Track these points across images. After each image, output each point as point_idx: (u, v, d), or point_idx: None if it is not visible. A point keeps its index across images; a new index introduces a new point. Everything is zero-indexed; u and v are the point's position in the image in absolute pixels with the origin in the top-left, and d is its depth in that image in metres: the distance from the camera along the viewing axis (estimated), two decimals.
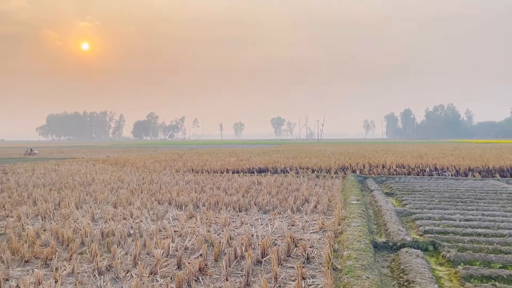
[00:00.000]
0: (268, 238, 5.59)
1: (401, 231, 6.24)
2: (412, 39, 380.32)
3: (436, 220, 7.20)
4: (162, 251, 5.16)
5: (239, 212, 8.13)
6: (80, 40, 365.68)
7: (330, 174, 15.28)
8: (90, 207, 8.36)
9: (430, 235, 6.13)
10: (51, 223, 7.04)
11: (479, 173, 15.46)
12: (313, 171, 16.12)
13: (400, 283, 4.35)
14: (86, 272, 4.63)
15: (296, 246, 5.53)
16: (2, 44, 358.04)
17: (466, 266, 4.75)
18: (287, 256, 5.15)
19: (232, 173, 15.78)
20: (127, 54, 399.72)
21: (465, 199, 9.38)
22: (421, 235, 6.26)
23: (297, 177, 14.01)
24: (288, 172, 15.98)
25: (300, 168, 16.81)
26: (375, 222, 7.42)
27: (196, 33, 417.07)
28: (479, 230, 6.36)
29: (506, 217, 7.40)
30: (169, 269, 4.73)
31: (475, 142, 69.74)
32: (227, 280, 4.32)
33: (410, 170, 16.54)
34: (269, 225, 6.84)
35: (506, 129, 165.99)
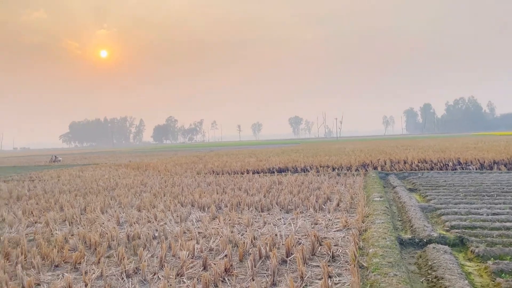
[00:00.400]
0: (292, 237, 5.58)
1: (426, 226, 6.14)
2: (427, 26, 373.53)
3: (462, 215, 7.06)
4: (187, 253, 5.21)
5: (261, 212, 8.14)
6: (98, 48, 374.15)
7: (351, 171, 15.16)
8: (115, 211, 8.51)
9: (457, 230, 6.01)
10: (78, 228, 7.19)
11: (505, 166, 15.06)
12: (333, 169, 16.00)
13: (428, 280, 4.29)
14: (115, 275, 4.71)
15: (320, 244, 5.50)
16: (25, 54, 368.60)
17: (496, 261, 4.64)
18: (311, 255, 5.13)
19: (252, 173, 15.81)
20: (143, 60, 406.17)
21: (492, 193, 9.17)
22: (447, 231, 6.15)
23: (318, 176, 13.94)
24: (309, 171, 15.91)
25: (320, 167, 16.71)
26: (399, 219, 7.33)
27: (212, 35, 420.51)
28: (508, 224, 6.21)
29: None
30: (195, 270, 4.77)
31: (499, 135, 67.99)
32: (253, 280, 4.34)
33: (433, 164, 16.25)
34: (292, 224, 6.83)
35: None
